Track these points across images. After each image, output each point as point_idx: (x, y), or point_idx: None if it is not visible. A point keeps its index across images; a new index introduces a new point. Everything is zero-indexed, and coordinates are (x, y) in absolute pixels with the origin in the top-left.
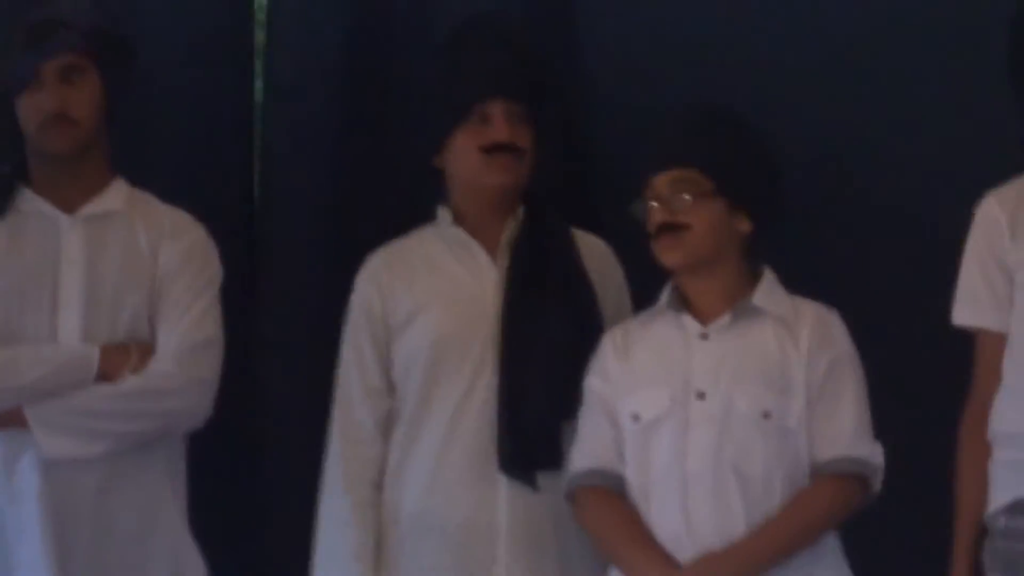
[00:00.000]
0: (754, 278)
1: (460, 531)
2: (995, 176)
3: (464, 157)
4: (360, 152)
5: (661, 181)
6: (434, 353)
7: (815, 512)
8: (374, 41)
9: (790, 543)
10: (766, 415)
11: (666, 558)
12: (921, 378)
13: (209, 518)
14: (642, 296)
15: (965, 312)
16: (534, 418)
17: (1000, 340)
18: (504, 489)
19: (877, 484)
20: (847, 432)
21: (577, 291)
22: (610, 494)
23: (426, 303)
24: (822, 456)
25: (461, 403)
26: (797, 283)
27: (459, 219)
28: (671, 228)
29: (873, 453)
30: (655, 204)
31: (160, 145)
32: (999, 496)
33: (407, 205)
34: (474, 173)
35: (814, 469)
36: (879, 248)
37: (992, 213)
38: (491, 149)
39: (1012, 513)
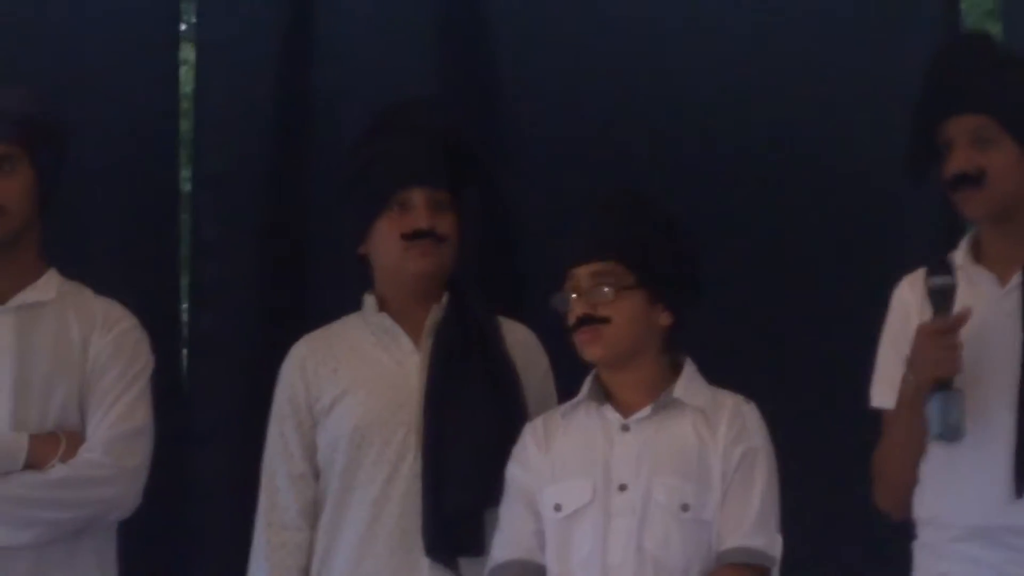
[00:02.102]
0: (675, 369)
1: None
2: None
3: (386, 244)
4: (291, 247)
5: (582, 273)
6: (357, 438)
7: None
8: (299, 130)
9: None
10: (684, 508)
11: None
12: (841, 460)
13: None
14: (571, 379)
15: (880, 394)
16: (457, 505)
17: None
18: (427, 571)
19: (775, 575)
20: (749, 523)
21: (500, 378)
22: None
23: (350, 389)
24: (723, 545)
25: (384, 488)
26: (715, 370)
27: (384, 306)
28: (591, 321)
29: (771, 545)
30: (575, 296)
31: (90, 235)
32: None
33: (334, 296)
34: (396, 260)
35: (717, 557)
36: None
37: (904, 297)
38: (412, 236)
39: None
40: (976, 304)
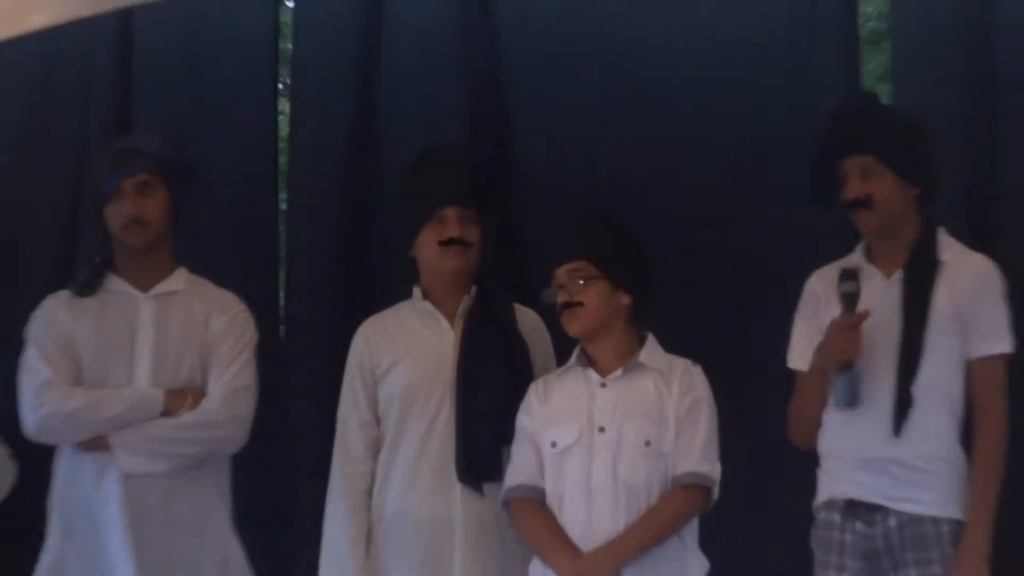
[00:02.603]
0: (640, 341)
1: (428, 526)
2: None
3: (427, 249)
4: (361, 251)
5: (561, 271)
6: (407, 394)
7: (670, 512)
8: (366, 163)
9: (656, 534)
10: (647, 443)
11: (573, 548)
12: (765, 408)
13: (248, 520)
14: (567, 350)
15: (794, 359)
16: (481, 444)
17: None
18: (459, 494)
19: (715, 493)
20: (695, 454)
21: (514, 350)
22: (533, 502)
23: (401, 358)
24: (677, 471)
25: (427, 432)
26: (673, 342)
27: (427, 295)
28: (570, 306)
29: (712, 470)
30: (559, 289)
31: (212, 241)
32: (819, 496)
33: (392, 287)
34: (435, 261)
35: (672, 480)
36: (735, 314)
37: (814, 287)
38: (447, 242)
39: (826, 508)
40: (868, 294)
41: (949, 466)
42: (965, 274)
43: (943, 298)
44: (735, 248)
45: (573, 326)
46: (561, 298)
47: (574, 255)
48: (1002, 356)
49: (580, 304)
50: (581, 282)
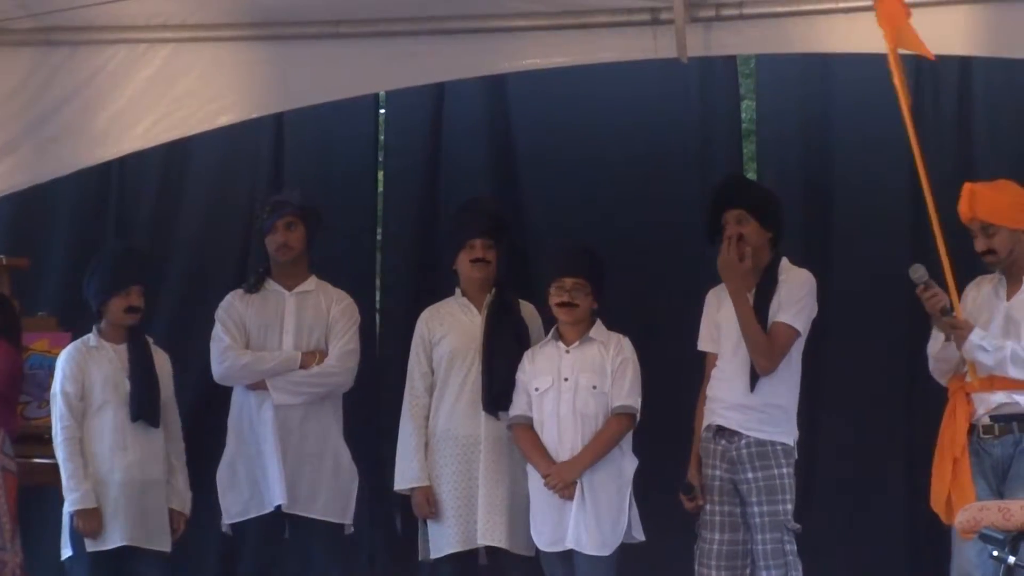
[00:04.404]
0: (591, 323)
1: (462, 440)
2: None
3: (463, 265)
4: (426, 266)
5: (568, 281)
6: (450, 356)
7: (610, 433)
8: (432, 209)
9: (604, 447)
10: (594, 387)
11: (550, 457)
12: (676, 374)
13: (354, 434)
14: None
15: (703, 343)
16: (497, 387)
17: (715, 357)
18: (484, 419)
19: (637, 418)
20: (625, 393)
21: (518, 329)
22: (526, 427)
23: (447, 334)
24: (613, 404)
25: (464, 380)
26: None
27: (464, 294)
28: (569, 304)
29: (636, 403)
30: (563, 291)
31: (330, 257)
32: (704, 422)
33: (444, 289)
34: (467, 272)
35: (611, 411)
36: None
37: (711, 299)
38: (474, 261)
39: (706, 431)
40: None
41: (779, 409)
42: (791, 281)
43: (775, 300)
44: (660, 273)
45: (568, 316)
46: (564, 298)
47: (580, 273)
48: (785, 324)
49: (576, 305)
50: (580, 292)
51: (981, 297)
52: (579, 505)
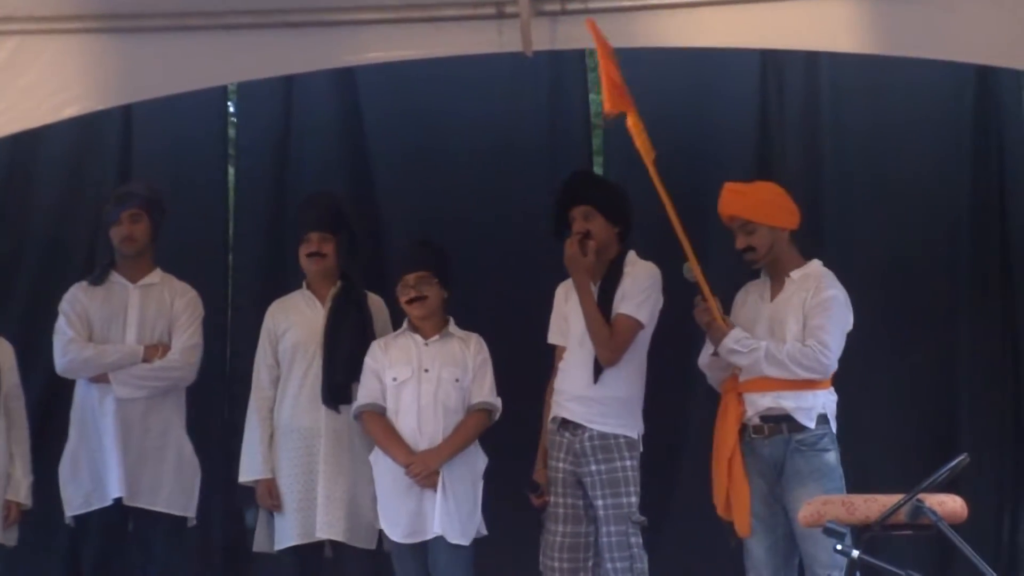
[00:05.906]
0: (446, 321)
1: (304, 433)
2: None
3: (302, 258)
4: (273, 260)
5: (411, 278)
6: (292, 348)
7: (469, 427)
8: (283, 207)
9: (464, 440)
10: (456, 381)
11: (408, 448)
12: (526, 369)
13: (207, 429)
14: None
15: (553, 337)
16: (339, 379)
17: (563, 350)
18: (324, 412)
19: (496, 416)
20: (484, 391)
21: (363, 322)
22: (378, 415)
23: (291, 326)
24: (472, 401)
25: (305, 372)
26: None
27: (309, 287)
28: (418, 299)
29: (496, 402)
30: (408, 288)
31: (170, 248)
32: (551, 415)
33: (295, 284)
34: (305, 265)
35: (469, 407)
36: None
37: (559, 292)
38: (309, 255)
39: (552, 422)
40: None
41: (622, 402)
42: (635, 274)
43: (619, 292)
44: (511, 266)
45: (419, 311)
46: (412, 294)
47: (421, 267)
48: (626, 316)
49: (425, 298)
50: (426, 286)
51: (748, 302)
52: (443, 494)
